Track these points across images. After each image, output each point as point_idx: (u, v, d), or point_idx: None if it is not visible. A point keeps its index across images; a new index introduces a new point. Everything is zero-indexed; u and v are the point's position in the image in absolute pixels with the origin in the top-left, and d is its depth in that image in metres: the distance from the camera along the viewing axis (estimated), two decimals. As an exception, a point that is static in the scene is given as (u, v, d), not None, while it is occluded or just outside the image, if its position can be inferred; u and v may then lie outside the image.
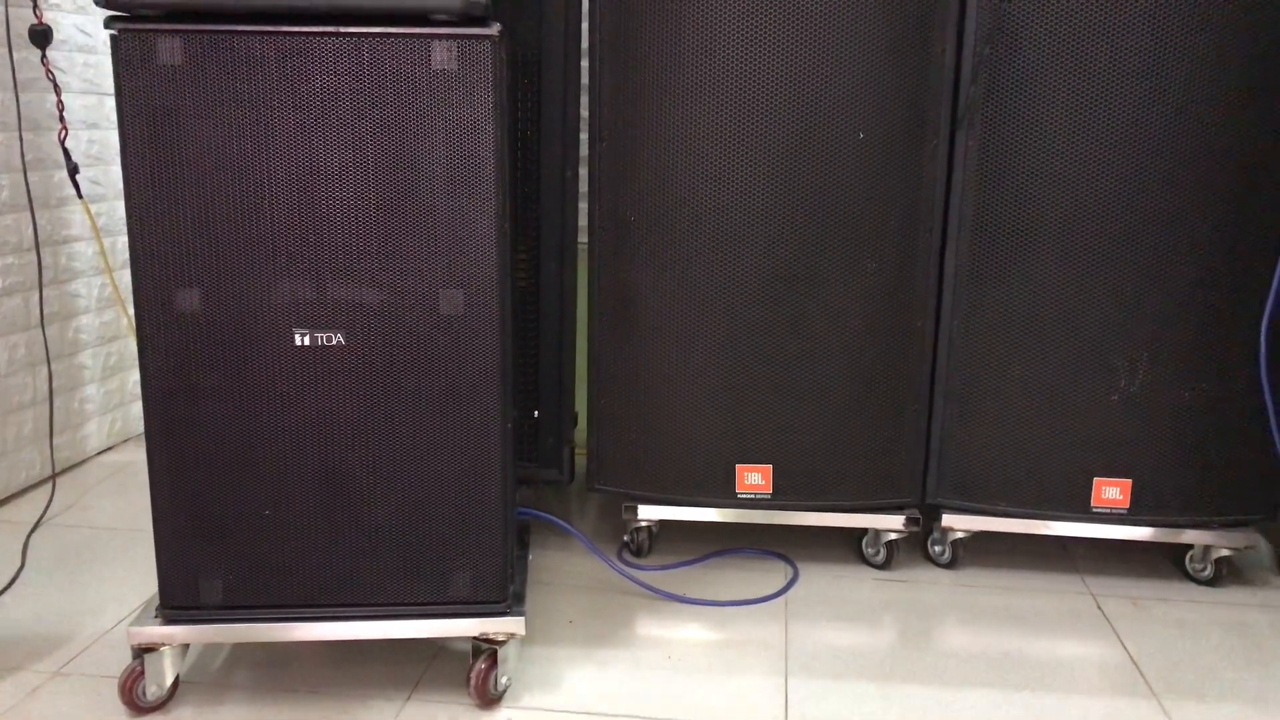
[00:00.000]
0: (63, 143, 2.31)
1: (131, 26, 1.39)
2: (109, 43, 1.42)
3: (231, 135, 1.43)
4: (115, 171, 2.64)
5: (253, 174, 1.44)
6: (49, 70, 2.30)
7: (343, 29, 1.41)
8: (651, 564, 2.13)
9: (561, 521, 2.00)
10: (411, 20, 1.42)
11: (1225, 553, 2.04)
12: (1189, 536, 2.02)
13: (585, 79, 2.07)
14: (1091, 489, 1.98)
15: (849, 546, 2.20)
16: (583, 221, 2.30)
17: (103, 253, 2.59)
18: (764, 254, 1.91)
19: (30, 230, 2.36)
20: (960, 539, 2.11)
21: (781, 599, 1.99)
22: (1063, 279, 1.90)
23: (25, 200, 2.33)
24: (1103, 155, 1.84)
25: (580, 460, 2.27)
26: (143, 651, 1.58)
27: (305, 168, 1.45)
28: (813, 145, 1.86)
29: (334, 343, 1.51)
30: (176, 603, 1.57)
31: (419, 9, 1.41)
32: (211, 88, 1.42)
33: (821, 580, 2.07)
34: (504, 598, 1.62)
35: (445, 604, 1.61)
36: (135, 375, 2.77)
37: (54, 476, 2.48)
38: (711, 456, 2.01)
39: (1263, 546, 2.24)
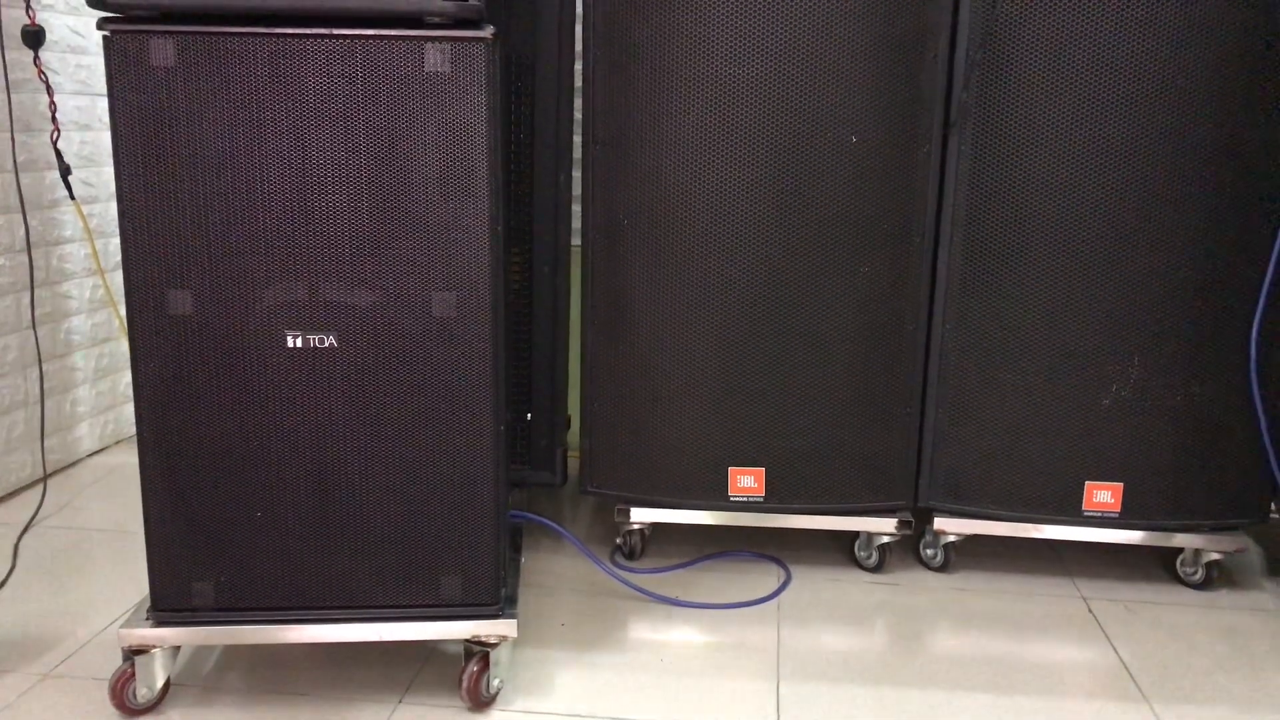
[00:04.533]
0: (55, 144, 2.31)
1: (124, 28, 1.39)
2: (101, 44, 1.41)
3: (224, 137, 1.43)
4: (108, 173, 2.64)
5: (245, 176, 1.44)
6: (41, 71, 2.29)
7: (336, 31, 1.41)
8: (644, 567, 2.13)
9: (554, 524, 2.00)
10: (405, 23, 1.42)
11: (1215, 556, 2.04)
12: (1180, 540, 2.03)
13: (579, 82, 2.07)
14: (1083, 493, 1.99)
15: (841, 549, 2.20)
16: (576, 224, 2.31)
17: (94, 254, 2.59)
18: (757, 257, 1.91)
19: (22, 231, 2.36)
20: (952, 542, 2.11)
21: (774, 602, 2.00)
22: (1054, 283, 1.90)
23: (17, 201, 2.33)
24: (1094, 160, 1.84)
25: (573, 463, 2.27)
26: (133, 653, 1.58)
27: (298, 170, 1.45)
28: (806, 149, 1.86)
29: (326, 345, 1.50)
30: (168, 605, 1.56)
31: (413, 11, 1.41)
32: (204, 89, 1.41)
33: (814, 583, 2.07)
34: (496, 600, 1.62)
35: (437, 606, 1.60)
36: (127, 377, 2.77)
37: (45, 478, 2.48)
38: (704, 459, 2.02)
39: (1253, 550, 2.25)
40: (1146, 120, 1.82)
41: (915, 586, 2.07)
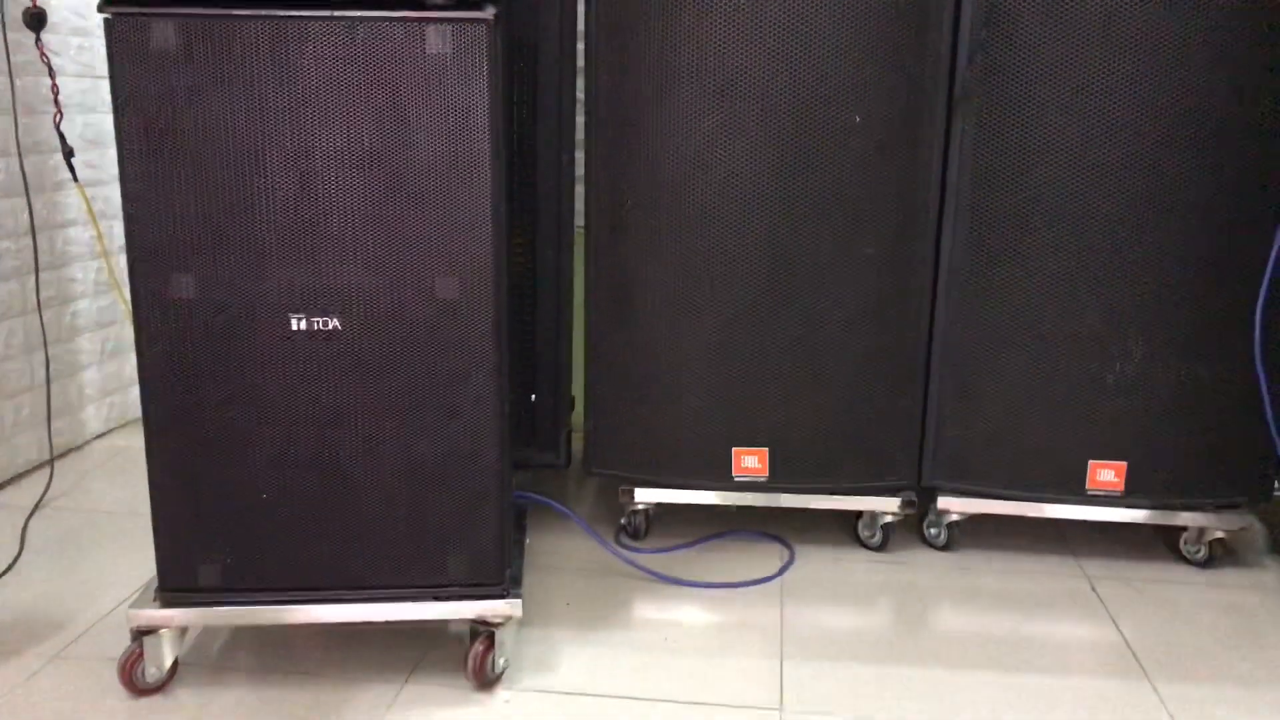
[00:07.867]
0: (58, 127, 2.30)
1: (125, 10, 1.39)
2: (103, 26, 1.41)
3: (226, 119, 1.43)
4: (111, 155, 2.64)
5: (248, 159, 1.44)
6: (44, 54, 2.29)
7: (337, 13, 1.41)
8: (648, 547, 2.13)
9: (559, 505, 2.00)
10: (406, 4, 1.42)
11: (1219, 535, 2.05)
12: (1183, 519, 2.03)
13: (581, 62, 2.06)
14: (1086, 471, 1.99)
15: (845, 529, 2.21)
16: (579, 206, 2.30)
17: (99, 237, 2.59)
18: (761, 237, 1.91)
19: (26, 215, 2.36)
20: (956, 521, 2.11)
21: (778, 581, 2.00)
22: (1059, 261, 1.90)
23: (21, 185, 2.33)
24: (1099, 138, 1.84)
25: (578, 444, 2.28)
26: (142, 634, 1.59)
27: (300, 152, 1.45)
28: (810, 128, 1.86)
29: (330, 327, 1.51)
30: (175, 586, 1.57)
31: (413, -8, 1.40)
32: (205, 71, 1.41)
33: (818, 562, 2.08)
34: (501, 580, 1.62)
35: (443, 587, 1.61)
36: (133, 359, 2.77)
37: (52, 461, 2.49)
38: (708, 440, 2.02)
39: (1256, 528, 2.25)
40: (1152, 99, 1.81)
41: (919, 566, 2.07)
